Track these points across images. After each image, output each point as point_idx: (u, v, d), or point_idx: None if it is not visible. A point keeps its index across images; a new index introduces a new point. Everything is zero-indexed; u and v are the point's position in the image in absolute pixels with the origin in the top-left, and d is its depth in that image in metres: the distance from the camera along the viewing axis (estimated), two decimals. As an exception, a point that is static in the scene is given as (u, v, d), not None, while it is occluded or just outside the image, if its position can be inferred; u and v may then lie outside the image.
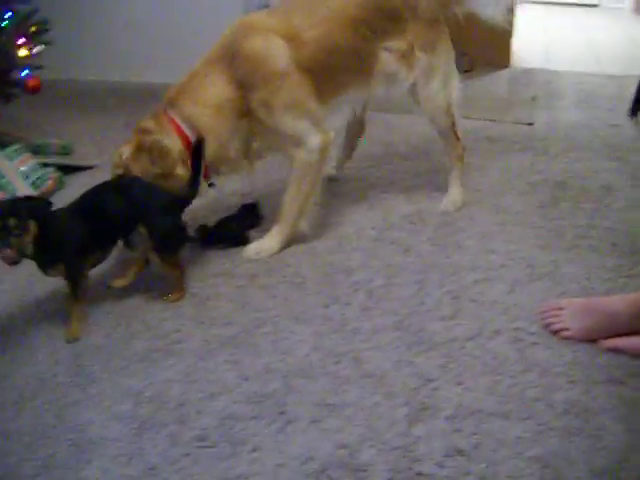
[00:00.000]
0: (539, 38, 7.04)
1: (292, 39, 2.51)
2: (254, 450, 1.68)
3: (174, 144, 2.43)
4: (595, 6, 9.85)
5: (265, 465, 1.64)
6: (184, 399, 1.85)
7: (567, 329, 2.08)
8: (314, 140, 2.55)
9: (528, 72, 5.42)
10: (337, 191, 3.03)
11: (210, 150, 2.40)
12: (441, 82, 2.89)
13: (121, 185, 2.35)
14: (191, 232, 2.54)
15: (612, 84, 5.01)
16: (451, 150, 3.00)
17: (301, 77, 2.50)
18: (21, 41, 3.38)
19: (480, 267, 2.46)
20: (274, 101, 2.46)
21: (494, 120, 4.08)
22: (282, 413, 1.79)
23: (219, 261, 2.54)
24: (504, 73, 5.40)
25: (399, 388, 1.87)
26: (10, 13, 3.34)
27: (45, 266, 2.18)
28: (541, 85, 4.98)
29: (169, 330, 2.14)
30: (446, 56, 2.98)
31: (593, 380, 1.90)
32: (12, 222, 2.03)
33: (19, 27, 3.37)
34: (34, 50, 3.44)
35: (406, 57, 2.76)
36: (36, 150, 3.36)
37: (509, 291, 2.31)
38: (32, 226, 2.07)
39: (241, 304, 2.26)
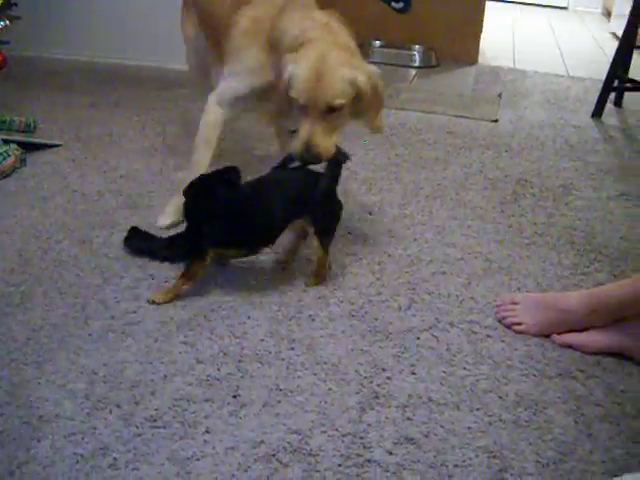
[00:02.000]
0: (508, 37, 7.09)
1: None
2: (206, 432, 1.69)
3: None
4: (564, 8, 9.93)
5: (216, 447, 1.64)
6: (138, 380, 1.85)
7: (521, 323, 2.11)
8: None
9: (495, 70, 5.46)
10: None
11: None
12: None
13: (282, 178, 2.33)
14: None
15: (577, 86, 5.07)
16: None
17: None
18: (-14, 16, 3.36)
19: (437, 260, 2.48)
20: None
21: (459, 116, 4.11)
22: (235, 397, 1.80)
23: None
24: (471, 70, 5.43)
25: (352, 376, 1.88)
26: (-24, -13, 3.32)
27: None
28: (507, 83, 5.02)
29: (126, 311, 2.13)
30: None
31: (545, 374, 1.94)
32: None
33: (-15, 2, 3.35)
34: (0, 25, 3.41)
35: None
36: (-1, 126, 3.34)
37: (465, 284, 2.34)
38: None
39: (199, 288, 2.25)
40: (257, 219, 2.22)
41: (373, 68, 2.37)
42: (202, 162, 2.61)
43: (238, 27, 2.56)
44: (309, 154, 2.26)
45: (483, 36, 5.90)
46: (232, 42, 2.59)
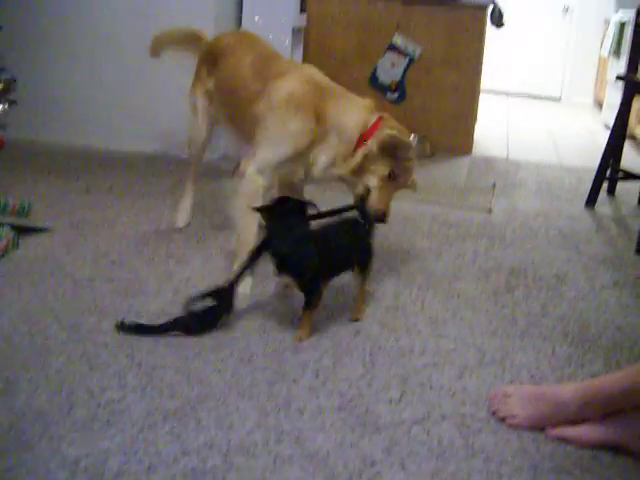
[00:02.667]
0: (502, 128, 7.17)
1: None
2: (189, 528, 1.65)
3: None
4: (558, 99, 10.08)
5: None
6: (121, 471, 1.80)
7: (514, 416, 2.07)
8: None
9: (489, 160, 5.51)
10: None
11: None
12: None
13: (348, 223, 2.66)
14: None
15: (570, 176, 5.11)
16: None
17: None
18: (-15, 98, 3.38)
19: (429, 351, 2.45)
20: None
21: (452, 206, 4.12)
22: (220, 491, 1.76)
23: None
24: (465, 160, 5.47)
25: (341, 470, 1.83)
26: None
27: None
28: (501, 174, 5.06)
29: (112, 399, 2.09)
30: None
31: (538, 468, 1.89)
32: None
33: (-15, 84, 3.38)
34: (-1, 108, 3.44)
35: None
36: (-7, 209, 3.33)
37: (458, 376, 2.30)
38: None
39: (187, 376, 2.22)
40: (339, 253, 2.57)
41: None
42: (249, 234, 2.76)
43: (271, 100, 2.75)
44: (381, 216, 2.79)
45: (477, 127, 5.96)
46: (267, 113, 2.82)
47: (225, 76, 3.10)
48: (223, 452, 1.88)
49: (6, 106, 3.52)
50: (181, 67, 3.56)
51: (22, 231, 3.24)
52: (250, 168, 2.74)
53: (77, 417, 2.01)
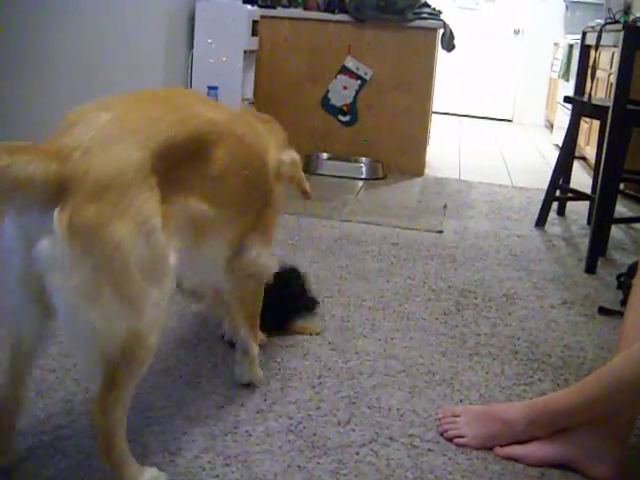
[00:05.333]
0: (454, 149, 7.22)
1: None
2: None
3: None
4: (509, 121, 10.19)
5: None
6: (66, 500, 1.78)
7: (463, 436, 2.07)
8: None
9: (440, 181, 5.55)
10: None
11: None
12: None
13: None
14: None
15: (520, 196, 5.16)
16: None
17: None
18: None
19: (379, 372, 2.44)
20: None
21: (404, 227, 4.13)
22: (166, 517, 1.74)
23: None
24: (417, 181, 5.51)
25: (289, 493, 1.83)
26: None
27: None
28: (453, 194, 5.09)
29: (58, 426, 2.07)
30: None
31: (484, 489, 1.89)
32: None
33: None
34: None
35: None
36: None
37: (407, 397, 2.30)
38: None
39: (134, 401, 2.18)
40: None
41: None
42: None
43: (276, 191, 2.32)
44: None
45: (429, 148, 6.01)
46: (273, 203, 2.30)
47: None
48: (169, 478, 1.86)
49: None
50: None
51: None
52: (267, 249, 2.28)
53: (22, 445, 1.98)
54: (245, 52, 5.23)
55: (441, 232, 4.10)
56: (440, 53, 6.09)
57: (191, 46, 5.21)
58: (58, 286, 1.52)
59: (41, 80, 3.76)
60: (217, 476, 1.87)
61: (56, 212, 1.49)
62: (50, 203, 1.49)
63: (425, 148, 5.90)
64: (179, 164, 1.74)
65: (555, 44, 9.48)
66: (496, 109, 10.50)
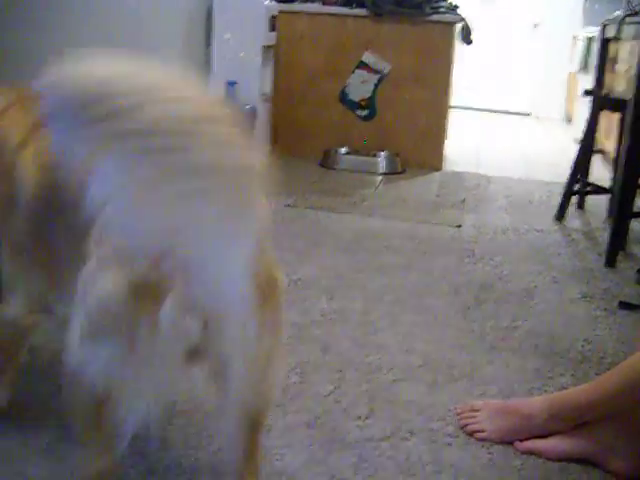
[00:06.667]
0: (472, 143, 7.20)
1: None
2: None
3: None
4: (528, 115, 10.15)
5: None
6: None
7: (483, 430, 2.07)
8: None
9: (459, 175, 5.53)
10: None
11: None
12: None
13: None
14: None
15: (540, 190, 5.13)
16: None
17: None
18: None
19: (398, 367, 2.44)
20: None
21: (422, 222, 4.13)
22: (188, 511, 1.75)
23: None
24: (436, 176, 5.49)
25: (309, 488, 1.83)
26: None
27: None
28: (471, 189, 5.07)
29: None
30: None
31: (506, 483, 1.89)
32: None
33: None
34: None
35: None
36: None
37: (426, 392, 2.30)
38: None
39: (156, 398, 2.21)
40: None
41: None
42: None
43: None
44: None
45: (448, 142, 5.99)
46: None
47: None
48: (190, 472, 1.87)
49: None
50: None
51: None
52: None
53: (44, 438, 1.99)
54: (263, 47, 5.24)
55: (460, 226, 4.09)
56: (458, 47, 6.07)
57: (209, 42, 5.21)
58: None
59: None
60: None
61: None
62: None
63: (443, 142, 5.88)
64: None
65: (574, 37, 9.42)
66: (514, 103, 10.46)
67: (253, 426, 1.62)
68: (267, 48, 5.37)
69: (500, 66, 10.49)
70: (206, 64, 5.28)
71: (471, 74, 9.84)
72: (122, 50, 1.12)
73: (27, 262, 1.82)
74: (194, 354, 1.43)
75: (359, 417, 2.14)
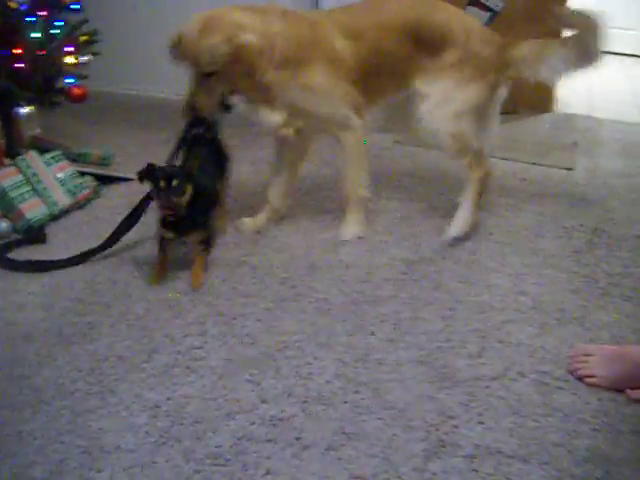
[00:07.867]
0: (584, 85, 7.01)
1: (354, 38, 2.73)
2: (267, 473, 1.67)
3: None
4: (638, 56, 9.82)
5: (277, 489, 1.62)
6: (201, 416, 1.84)
7: (594, 376, 2.04)
8: (357, 122, 2.81)
9: (570, 118, 5.38)
10: (368, 221, 2.99)
11: None
12: (450, 112, 2.89)
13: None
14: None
15: (655, 135, 4.98)
16: (467, 174, 3.01)
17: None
18: (69, 49, 3.40)
19: (509, 308, 2.42)
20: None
21: (533, 163, 4.05)
22: (298, 438, 1.77)
23: (249, 281, 2.53)
24: (547, 117, 5.37)
25: (419, 422, 1.84)
26: (62, 22, 3.38)
27: (188, 228, 2.52)
28: (583, 132, 4.94)
29: (192, 346, 2.13)
30: (466, 98, 2.94)
31: (617, 430, 1.87)
32: (175, 183, 2.40)
33: (69, 36, 3.40)
34: (81, 59, 3.47)
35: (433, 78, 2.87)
36: (75, 159, 3.38)
37: (537, 334, 2.28)
38: (189, 189, 2.44)
39: (267, 326, 2.24)
40: None
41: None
42: None
43: None
44: (189, 109, 2.73)
45: (559, 84, 5.84)
46: None
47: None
48: (301, 401, 1.90)
49: (90, 57, 3.56)
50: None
51: (104, 180, 3.29)
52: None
53: (158, 363, 2.05)
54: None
55: (571, 169, 4.00)
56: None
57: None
58: None
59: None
60: (348, 402, 1.90)
61: None
62: None
63: (555, 84, 5.75)
64: None
65: None
66: (632, 44, 10.14)
67: None
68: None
69: (616, 4, 10.15)
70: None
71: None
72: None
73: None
74: None
75: (470, 356, 2.14)
